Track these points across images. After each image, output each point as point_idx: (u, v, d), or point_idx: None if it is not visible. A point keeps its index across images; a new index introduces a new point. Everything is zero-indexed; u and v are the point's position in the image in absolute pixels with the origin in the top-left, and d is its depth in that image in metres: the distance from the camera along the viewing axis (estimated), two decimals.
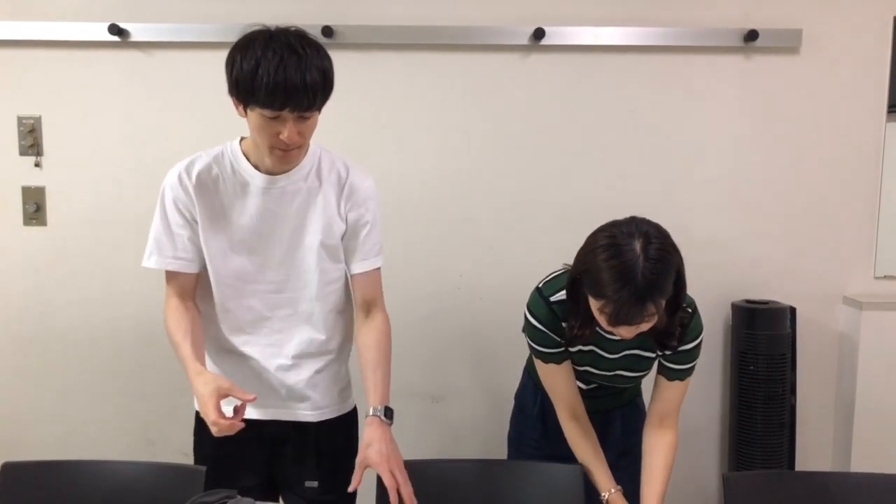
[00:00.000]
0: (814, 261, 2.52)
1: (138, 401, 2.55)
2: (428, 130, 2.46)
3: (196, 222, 1.47)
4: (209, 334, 1.54)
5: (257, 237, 1.48)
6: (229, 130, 2.40)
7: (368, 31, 2.37)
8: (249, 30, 1.34)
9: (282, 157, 1.40)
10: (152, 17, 2.38)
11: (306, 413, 1.57)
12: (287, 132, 1.32)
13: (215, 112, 2.43)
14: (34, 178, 2.46)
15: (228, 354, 1.55)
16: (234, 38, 2.53)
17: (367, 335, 1.54)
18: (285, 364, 1.54)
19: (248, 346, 1.54)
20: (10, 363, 2.54)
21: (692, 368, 1.56)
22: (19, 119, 2.43)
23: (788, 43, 2.41)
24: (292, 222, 1.48)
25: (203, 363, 1.44)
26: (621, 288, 1.30)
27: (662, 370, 1.58)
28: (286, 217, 1.48)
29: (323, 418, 1.59)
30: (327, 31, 2.31)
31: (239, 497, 1.19)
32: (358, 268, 1.54)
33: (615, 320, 1.35)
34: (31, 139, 2.43)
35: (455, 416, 2.57)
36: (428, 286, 2.51)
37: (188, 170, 1.46)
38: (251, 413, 1.50)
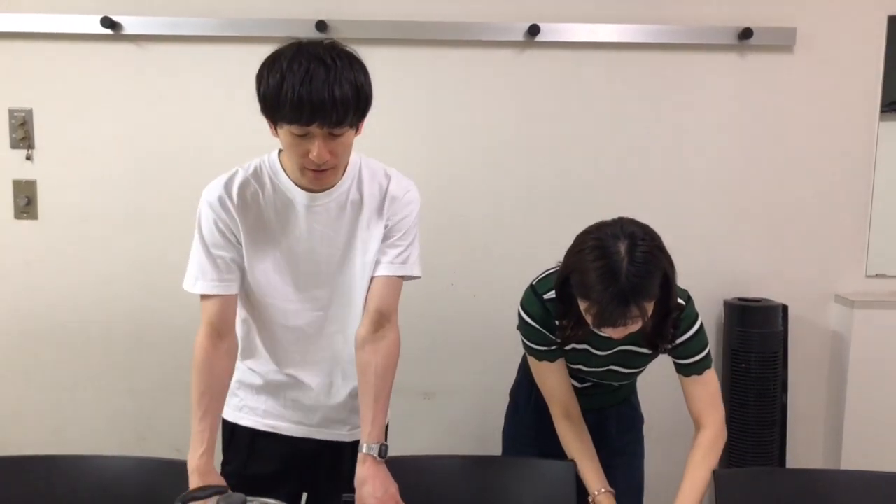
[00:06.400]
0: (806, 259, 2.53)
1: (130, 396, 2.54)
2: (421, 126, 2.45)
3: (240, 244, 1.39)
4: (251, 356, 1.51)
5: (305, 258, 1.42)
6: (221, 124, 2.41)
7: (363, 27, 2.36)
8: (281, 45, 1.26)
9: (314, 177, 1.32)
10: (145, 10, 2.36)
11: (343, 434, 1.55)
12: (316, 150, 1.24)
13: (208, 106, 2.43)
14: (25, 172, 2.44)
15: (272, 374, 1.51)
16: (227, 31, 2.50)
17: (374, 355, 1.43)
18: (327, 383, 1.51)
19: (291, 365, 1.49)
20: (0, 357, 2.53)
21: (704, 360, 1.53)
22: (10, 112, 2.41)
23: (783, 41, 2.42)
24: (340, 241, 1.42)
25: (215, 433, 1.40)
26: (604, 290, 1.30)
27: (676, 368, 1.56)
28: (334, 237, 1.42)
29: (357, 437, 1.54)
30: (321, 26, 2.30)
31: (230, 492, 1.19)
32: (382, 271, 1.44)
33: (599, 321, 1.35)
34: (22, 132, 2.42)
35: (447, 413, 2.57)
36: (421, 282, 2.50)
37: (227, 188, 1.37)
38: (288, 430, 1.52)
